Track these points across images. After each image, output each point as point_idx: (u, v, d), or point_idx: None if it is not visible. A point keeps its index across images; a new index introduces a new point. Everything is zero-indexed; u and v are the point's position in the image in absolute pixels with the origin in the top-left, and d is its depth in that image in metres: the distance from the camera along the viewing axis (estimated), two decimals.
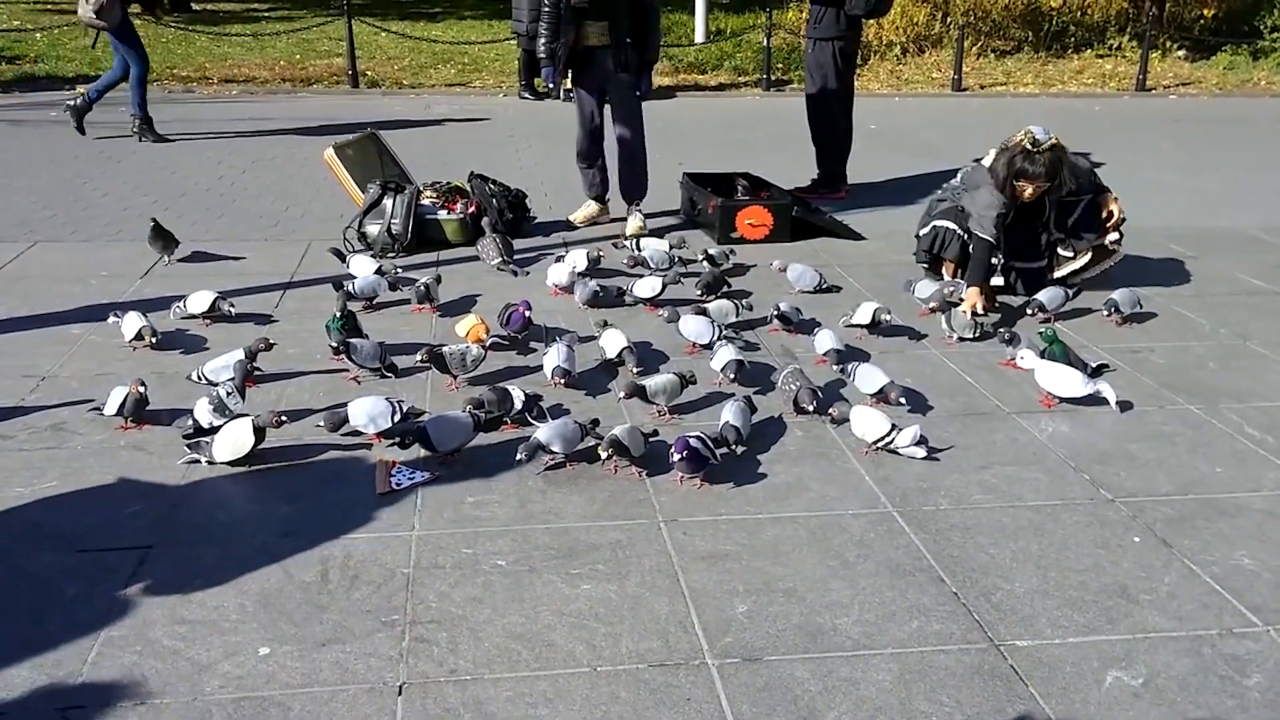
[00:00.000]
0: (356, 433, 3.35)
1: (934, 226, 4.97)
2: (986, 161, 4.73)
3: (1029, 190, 4.56)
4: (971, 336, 4.33)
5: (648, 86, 6.04)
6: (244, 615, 2.49)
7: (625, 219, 6.12)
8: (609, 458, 3.13)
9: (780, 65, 13.38)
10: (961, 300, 4.66)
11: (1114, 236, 4.87)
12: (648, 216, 6.08)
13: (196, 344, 4.19)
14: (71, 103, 8.62)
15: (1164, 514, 3.03)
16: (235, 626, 2.45)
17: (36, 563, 2.68)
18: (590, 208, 6.24)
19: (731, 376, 3.78)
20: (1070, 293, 4.66)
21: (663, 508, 3.01)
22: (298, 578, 2.64)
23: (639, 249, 5.24)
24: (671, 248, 5.30)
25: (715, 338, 4.09)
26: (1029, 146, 4.47)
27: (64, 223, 6.08)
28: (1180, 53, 14.69)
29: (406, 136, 8.22)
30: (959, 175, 5.00)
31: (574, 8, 5.60)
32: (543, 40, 5.72)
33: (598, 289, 4.66)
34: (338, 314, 4.06)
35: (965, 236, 4.80)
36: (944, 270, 5.00)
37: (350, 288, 4.55)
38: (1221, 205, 7.03)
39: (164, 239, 5.24)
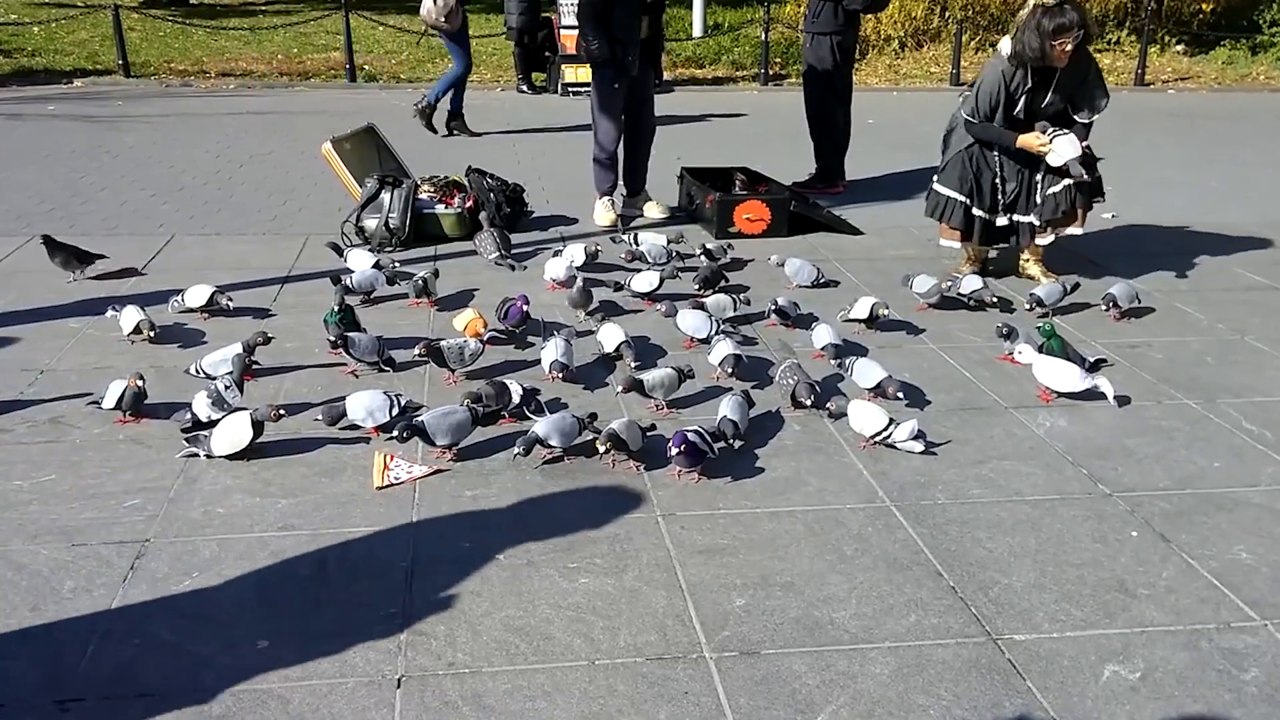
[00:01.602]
0: (354, 426, 3.35)
1: (934, 194, 5.02)
2: (1004, 50, 4.68)
3: (1069, 44, 4.48)
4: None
5: (660, 78, 6.09)
6: (242, 608, 2.49)
7: (617, 208, 6.19)
8: (607, 452, 3.13)
9: (778, 60, 13.37)
10: (960, 295, 4.67)
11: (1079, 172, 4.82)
12: (645, 213, 6.12)
13: (194, 338, 4.18)
14: (417, 104, 9.06)
15: (1162, 509, 3.04)
16: (233, 620, 2.45)
17: (35, 556, 2.68)
18: (612, 204, 6.20)
19: (729, 371, 3.78)
20: (1068, 287, 4.66)
21: (660, 502, 3.01)
22: (296, 571, 2.64)
23: (637, 243, 5.24)
24: (669, 242, 5.30)
25: (713, 332, 4.09)
26: (1047, 3, 4.44)
27: (61, 217, 6.07)
28: (1179, 47, 14.69)
29: (404, 130, 8.20)
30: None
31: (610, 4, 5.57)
32: (592, 45, 5.66)
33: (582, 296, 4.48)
34: (335, 308, 4.05)
35: (968, 203, 4.88)
36: (942, 237, 5.06)
37: (348, 282, 4.55)
38: (1219, 200, 7.03)
39: (64, 254, 4.82)
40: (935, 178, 5.06)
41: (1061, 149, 4.62)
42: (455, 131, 9.03)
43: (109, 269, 4.96)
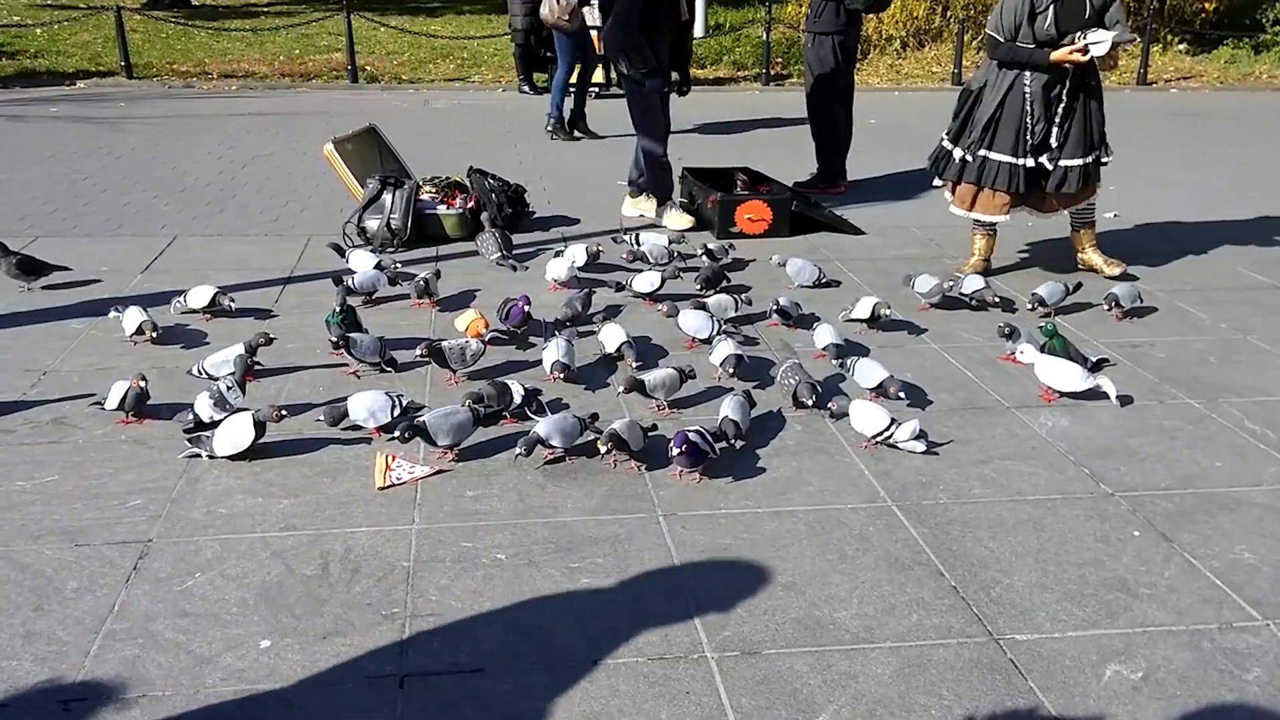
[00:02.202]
0: (356, 427, 3.35)
1: (938, 147, 5.08)
2: None
3: None
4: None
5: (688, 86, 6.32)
6: (245, 609, 2.49)
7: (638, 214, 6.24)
8: (608, 452, 3.13)
9: (779, 60, 13.37)
10: (962, 295, 4.67)
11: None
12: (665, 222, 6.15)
13: (197, 339, 4.19)
14: (547, 129, 8.95)
15: (1164, 508, 3.04)
16: (236, 620, 2.45)
17: (38, 556, 2.68)
18: (679, 208, 6.17)
19: (730, 371, 3.78)
20: (1070, 286, 4.66)
21: (662, 502, 3.01)
22: (298, 571, 2.65)
23: (638, 243, 5.24)
24: (671, 242, 5.30)
25: (714, 332, 4.09)
26: None
27: (64, 218, 6.08)
28: (1181, 46, 14.67)
29: (406, 131, 8.21)
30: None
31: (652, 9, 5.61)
32: (637, 63, 5.66)
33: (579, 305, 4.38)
34: (337, 309, 4.06)
35: (966, 155, 4.92)
36: (945, 192, 5.13)
37: (350, 283, 4.55)
38: (1222, 199, 7.02)
39: (7, 261, 4.66)
40: (944, 134, 5.08)
41: (1098, 39, 4.53)
42: (555, 136, 8.91)
43: (70, 279, 4.83)
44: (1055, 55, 4.64)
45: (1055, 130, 4.79)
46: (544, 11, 8.53)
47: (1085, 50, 4.58)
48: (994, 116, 4.83)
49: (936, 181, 5.21)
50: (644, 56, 5.65)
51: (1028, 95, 4.77)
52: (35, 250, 4.94)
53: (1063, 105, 4.77)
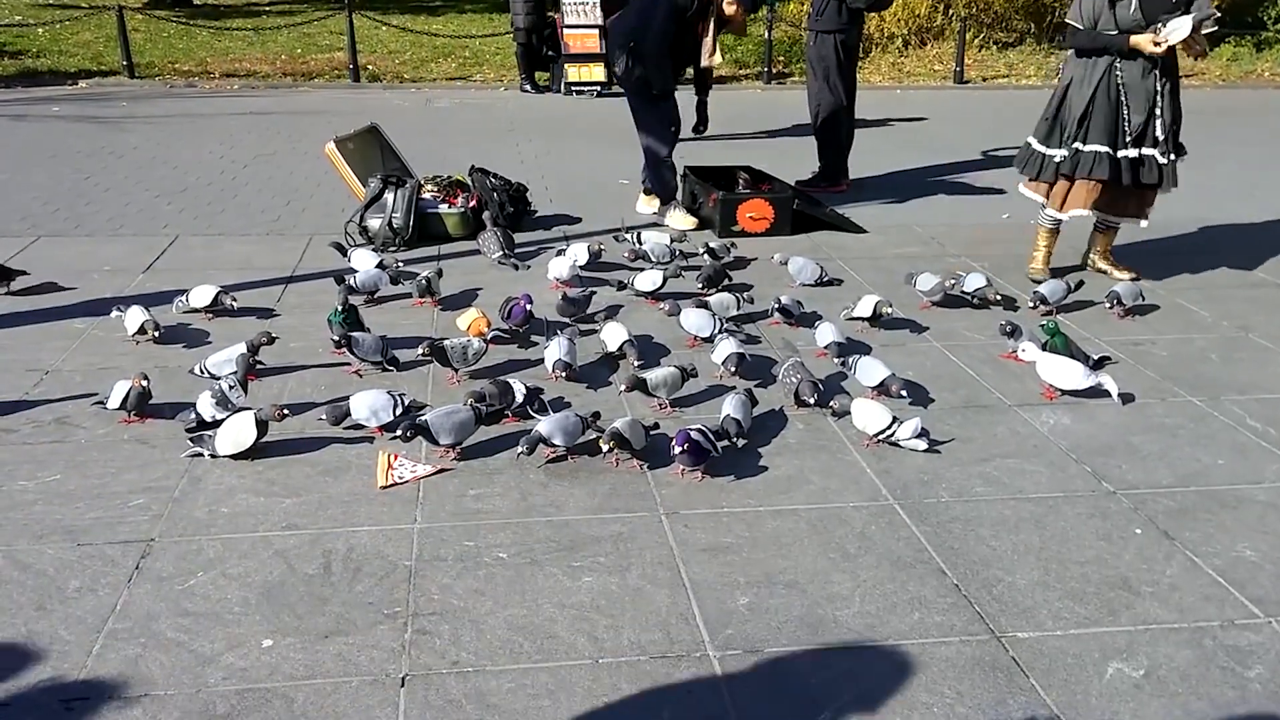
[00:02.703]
0: (358, 426, 3.35)
1: (1024, 148, 5.00)
2: None
3: None
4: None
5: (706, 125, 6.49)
6: (247, 608, 2.50)
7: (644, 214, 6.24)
8: (610, 450, 3.13)
9: (781, 58, 13.36)
10: (964, 293, 4.67)
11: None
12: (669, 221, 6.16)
13: (199, 338, 4.19)
14: None
15: (1166, 506, 3.03)
16: (238, 619, 2.46)
17: (40, 555, 2.69)
18: (682, 208, 6.19)
19: (732, 370, 3.78)
20: (1072, 285, 4.65)
21: (664, 500, 3.02)
22: (300, 570, 2.65)
23: (640, 242, 5.24)
24: (672, 241, 5.30)
25: (716, 331, 4.09)
26: None
27: (67, 218, 6.09)
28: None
29: (407, 130, 8.22)
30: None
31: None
32: (654, 79, 5.77)
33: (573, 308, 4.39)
34: (339, 308, 4.06)
35: (1061, 152, 4.81)
36: (1028, 192, 5.06)
37: (352, 282, 4.55)
38: (1224, 197, 7.01)
39: None
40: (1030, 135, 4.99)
41: (1176, 25, 4.46)
42: None
43: (30, 284, 4.77)
44: (1135, 40, 4.54)
45: (1157, 122, 4.68)
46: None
47: (1159, 43, 4.50)
48: (1086, 111, 4.71)
49: (1022, 186, 5.09)
50: (663, 81, 5.78)
51: (1122, 86, 4.67)
52: (38, 249, 4.94)
53: (1158, 96, 4.68)
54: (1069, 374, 3.70)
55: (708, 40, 5.90)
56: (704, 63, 6.00)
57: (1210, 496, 3.09)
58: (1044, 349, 3.86)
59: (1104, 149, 4.71)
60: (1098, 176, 4.74)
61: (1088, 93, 4.72)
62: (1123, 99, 4.69)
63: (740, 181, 6.28)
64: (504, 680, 2.27)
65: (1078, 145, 4.76)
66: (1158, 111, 4.70)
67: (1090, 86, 4.72)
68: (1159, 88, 4.69)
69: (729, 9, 5.77)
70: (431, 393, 3.71)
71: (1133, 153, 4.72)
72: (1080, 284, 4.70)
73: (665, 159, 6.07)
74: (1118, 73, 4.68)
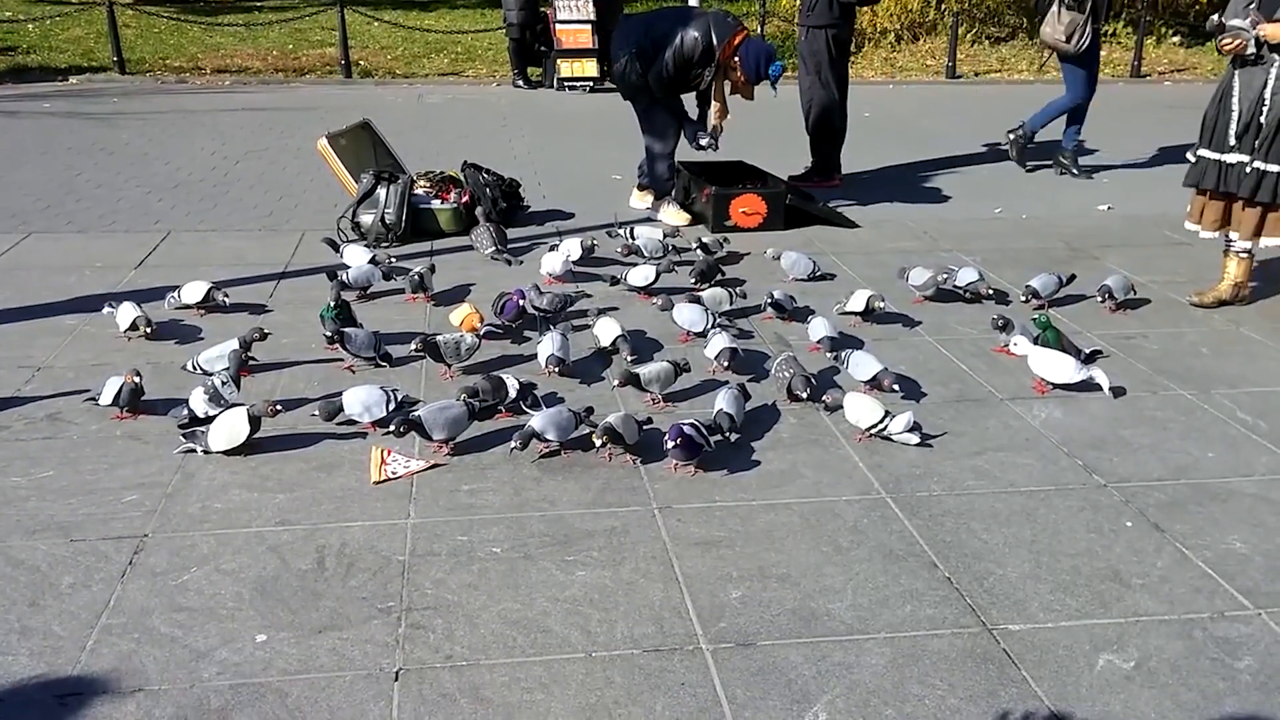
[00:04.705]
0: (351, 422, 3.35)
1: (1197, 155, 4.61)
2: None
3: None
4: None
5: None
6: (240, 603, 2.50)
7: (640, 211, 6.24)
8: (603, 445, 3.14)
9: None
10: (956, 287, 4.68)
11: None
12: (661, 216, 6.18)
13: (191, 334, 4.19)
14: (1013, 130, 7.70)
15: (1156, 499, 3.05)
16: (232, 614, 2.46)
17: (33, 552, 2.69)
18: (675, 204, 6.20)
19: (725, 364, 3.79)
20: (1064, 279, 4.67)
21: (657, 495, 3.02)
22: (294, 565, 2.65)
23: (633, 237, 5.24)
24: (665, 236, 5.30)
25: (709, 326, 4.10)
26: None
27: (58, 214, 6.07)
28: (1175, 39, 14.69)
29: (399, 126, 8.20)
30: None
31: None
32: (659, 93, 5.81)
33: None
34: (332, 303, 4.05)
35: (1189, 156, 4.58)
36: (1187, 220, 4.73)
37: (344, 277, 4.55)
38: None
39: None
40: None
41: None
42: (1062, 171, 7.58)
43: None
44: (1268, 29, 4.18)
45: (1261, 128, 4.29)
46: (1043, 31, 7.11)
47: (1237, 35, 4.25)
48: (1214, 115, 4.49)
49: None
50: (664, 94, 5.83)
51: (1235, 86, 4.38)
52: (29, 245, 4.93)
53: (1267, 102, 4.27)
54: (1060, 367, 3.72)
55: (716, 105, 5.93)
56: (712, 121, 6.00)
57: (1200, 489, 3.11)
58: (1035, 343, 3.88)
59: (1213, 155, 4.48)
60: (1206, 185, 4.53)
61: (1218, 98, 4.49)
62: (1232, 101, 4.42)
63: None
64: (498, 674, 2.28)
65: (1202, 152, 4.52)
66: (1261, 115, 4.32)
67: (1221, 91, 4.48)
68: (1268, 91, 4.29)
69: (734, 75, 5.78)
70: (424, 388, 3.71)
71: (1232, 159, 4.43)
72: (1072, 277, 4.71)
73: (663, 154, 6.07)
74: (1234, 73, 4.41)
